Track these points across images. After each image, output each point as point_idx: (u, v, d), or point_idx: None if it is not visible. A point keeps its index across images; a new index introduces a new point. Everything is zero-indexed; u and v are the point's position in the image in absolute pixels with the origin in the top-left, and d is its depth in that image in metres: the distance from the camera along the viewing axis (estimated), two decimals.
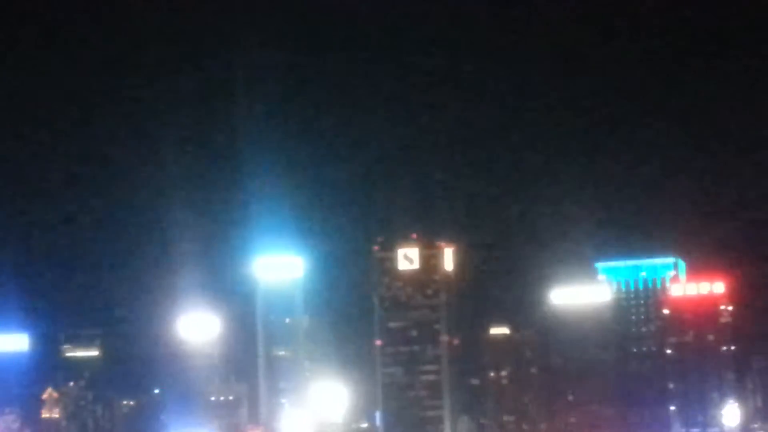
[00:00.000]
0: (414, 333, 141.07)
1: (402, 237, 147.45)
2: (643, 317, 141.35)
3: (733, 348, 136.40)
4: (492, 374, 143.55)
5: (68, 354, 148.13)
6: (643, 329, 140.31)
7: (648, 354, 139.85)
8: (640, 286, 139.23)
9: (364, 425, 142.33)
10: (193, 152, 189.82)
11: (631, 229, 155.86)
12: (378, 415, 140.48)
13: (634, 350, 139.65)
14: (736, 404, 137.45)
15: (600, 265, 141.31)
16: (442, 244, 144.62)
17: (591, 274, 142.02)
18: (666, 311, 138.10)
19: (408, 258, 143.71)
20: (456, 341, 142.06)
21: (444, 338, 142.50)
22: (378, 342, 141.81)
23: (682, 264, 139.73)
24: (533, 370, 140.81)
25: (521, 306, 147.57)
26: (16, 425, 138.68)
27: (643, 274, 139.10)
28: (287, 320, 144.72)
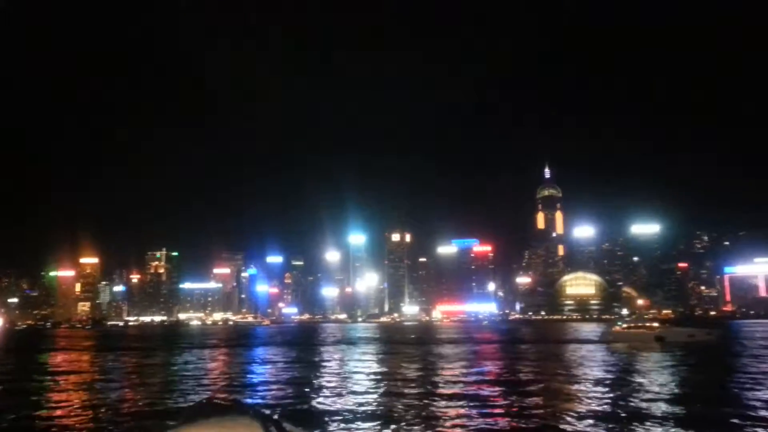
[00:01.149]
0: (397, 260, 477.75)
1: (393, 230, 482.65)
2: (467, 257, 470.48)
3: (492, 267, 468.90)
4: (421, 273, 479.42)
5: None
6: (466, 260, 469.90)
7: (470, 270, 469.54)
8: (464, 247, 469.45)
9: (384, 285, 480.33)
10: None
11: (463, 229, 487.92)
12: (385, 283, 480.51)
13: (465, 267, 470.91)
14: (495, 284, 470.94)
15: (453, 241, 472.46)
16: (406, 232, 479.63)
17: (450, 243, 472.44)
18: (472, 255, 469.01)
19: (396, 237, 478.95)
20: (408, 262, 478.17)
21: (406, 260, 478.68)
22: (386, 261, 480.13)
23: (476, 240, 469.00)
24: (432, 271, 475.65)
25: (431, 253, 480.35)
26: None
27: (466, 244, 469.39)
28: (359, 254, 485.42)
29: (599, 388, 41.19)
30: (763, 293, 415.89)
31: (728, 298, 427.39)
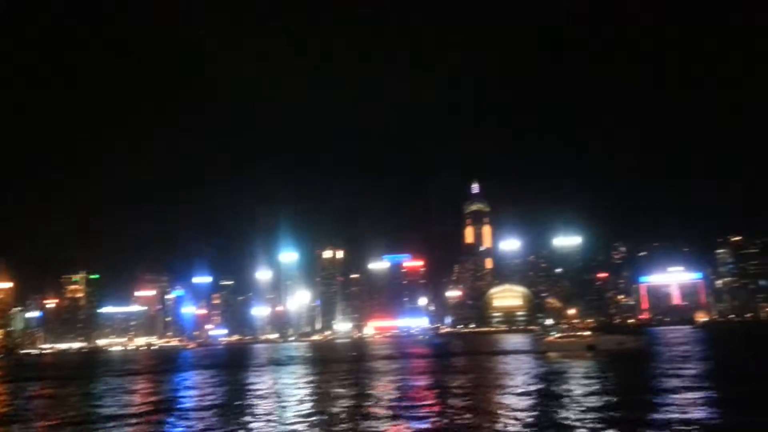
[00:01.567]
0: (329, 277, 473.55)
1: (325, 247, 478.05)
2: (399, 273, 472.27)
3: (423, 281, 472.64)
4: (353, 289, 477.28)
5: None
6: (398, 276, 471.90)
7: (402, 285, 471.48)
8: (396, 263, 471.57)
9: (317, 303, 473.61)
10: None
11: (395, 245, 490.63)
12: (317, 300, 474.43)
13: (397, 283, 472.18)
14: (426, 298, 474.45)
15: (385, 256, 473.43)
16: (338, 249, 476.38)
17: (382, 259, 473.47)
18: (404, 270, 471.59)
19: (328, 254, 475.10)
20: (342, 279, 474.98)
21: (339, 277, 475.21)
22: (317, 279, 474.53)
23: (408, 255, 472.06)
24: (364, 287, 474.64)
25: (363, 269, 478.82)
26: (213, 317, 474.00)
27: (398, 259, 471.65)
28: (290, 272, 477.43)
29: (533, 399, 40.96)
30: (676, 301, 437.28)
31: (645, 306, 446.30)
